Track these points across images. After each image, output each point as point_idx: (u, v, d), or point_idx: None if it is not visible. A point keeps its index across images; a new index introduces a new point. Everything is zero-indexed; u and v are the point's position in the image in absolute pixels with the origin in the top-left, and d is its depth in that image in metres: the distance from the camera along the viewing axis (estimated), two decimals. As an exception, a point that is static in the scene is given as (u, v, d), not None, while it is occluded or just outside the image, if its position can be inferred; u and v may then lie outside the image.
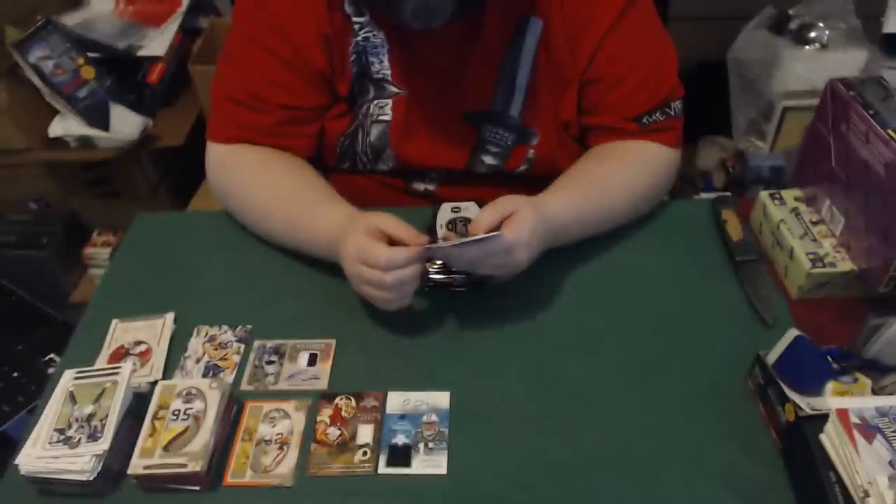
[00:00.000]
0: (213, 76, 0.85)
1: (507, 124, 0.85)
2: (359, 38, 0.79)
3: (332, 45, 0.79)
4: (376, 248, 0.66)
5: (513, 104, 0.83)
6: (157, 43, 1.61)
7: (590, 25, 0.79)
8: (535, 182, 0.90)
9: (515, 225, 0.67)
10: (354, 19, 0.79)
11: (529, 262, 0.70)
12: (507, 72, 0.82)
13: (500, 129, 0.85)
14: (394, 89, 0.82)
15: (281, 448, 0.64)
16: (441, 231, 0.80)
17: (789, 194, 0.83)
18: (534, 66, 0.81)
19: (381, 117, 0.84)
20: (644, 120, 0.82)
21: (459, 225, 0.81)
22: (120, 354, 0.73)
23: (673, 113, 0.83)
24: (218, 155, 0.86)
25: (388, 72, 0.81)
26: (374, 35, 0.79)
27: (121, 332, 0.75)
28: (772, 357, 0.64)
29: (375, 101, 0.83)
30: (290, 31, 0.78)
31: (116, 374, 0.65)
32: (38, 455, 0.60)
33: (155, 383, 0.67)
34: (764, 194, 0.83)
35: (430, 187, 0.91)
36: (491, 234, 0.66)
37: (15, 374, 1.36)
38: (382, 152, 0.87)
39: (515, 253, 0.68)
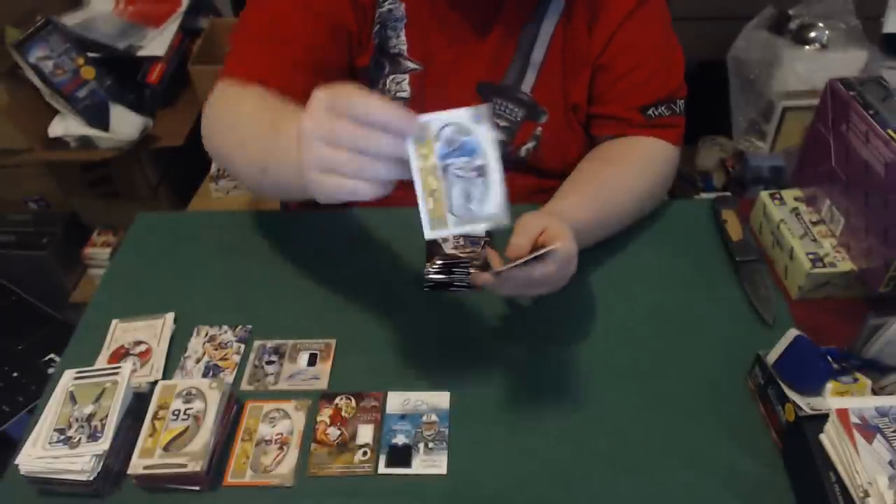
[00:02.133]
0: (212, 76, 0.85)
1: (518, 99, 0.85)
2: (383, 10, 0.79)
3: (367, 11, 0.78)
4: (359, 92, 0.49)
5: (525, 80, 0.84)
6: (156, 43, 1.61)
7: (608, 12, 0.80)
8: (541, 174, 0.90)
9: (564, 237, 0.64)
10: None
11: None
12: (523, 47, 0.82)
13: (511, 103, 0.85)
14: (410, 64, 0.82)
15: (281, 448, 0.64)
16: (445, 244, 0.79)
17: (789, 194, 0.83)
18: (551, 44, 0.82)
19: (399, 94, 0.84)
20: (650, 112, 0.83)
21: (464, 239, 0.80)
22: (120, 354, 0.73)
23: (677, 110, 0.84)
24: (215, 93, 0.78)
25: (405, 47, 0.81)
26: (395, 8, 0.79)
27: (121, 332, 0.75)
28: (772, 357, 0.64)
29: (392, 77, 0.83)
30: None
31: (116, 374, 0.65)
32: (38, 455, 0.60)
33: (155, 383, 0.67)
34: (764, 194, 0.83)
35: None
36: (547, 248, 0.63)
37: (15, 374, 1.36)
38: None
39: (571, 265, 0.66)
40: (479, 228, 0.54)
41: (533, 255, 0.63)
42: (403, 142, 0.50)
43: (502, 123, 0.86)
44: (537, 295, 0.70)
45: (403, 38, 0.81)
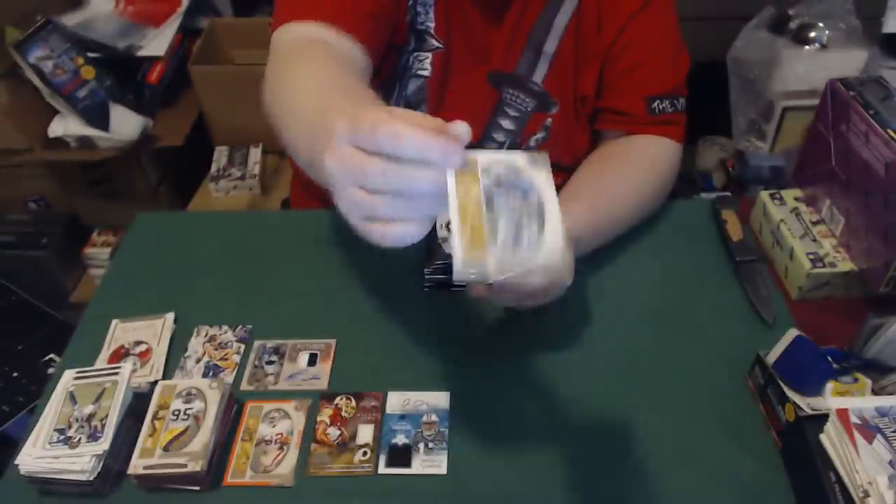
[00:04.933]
0: (214, 75, 0.85)
1: (529, 90, 0.85)
2: None
3: None
4: (384, 117, 0.40)
5: (536, 70, 0.84)
6: (156, 43, 1.61)
7: (618, 8, 0.81)
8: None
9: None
10: None
11: None
12: (535, 37, 0.83)
13: (522, 93, 0.85)
14: (434, 43, 0.82)
15: (281, 448, 0.64)
16: (441, 232, 0.80)
17: (789, 194, 0.83)
18: (563, 36, 0.83)
19: (419, 71, 0.84)
20: (654, 105, 0.83)
21: None
22: (120, 354, 0.73)
23: (679, 107, 0.85)
24: (276, 40, 0.72)
25: (433, 24, 0.81)
26: None
27: (121, 332, 0.75)
28: (772, 357, 0.64)
29: (415, 54, 0.83)
30: None
31: (116, 374, 0.65)
32: (38, 455, 0.60)
33: (155, 383, 0.67)
34: (764, 194, 0.83)
35: None
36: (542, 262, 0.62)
37: (15, 374, 1.35)
38: (414, 109, 0.86)
39: (567, 276, 0.66)
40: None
41: (527, 268, 0.61)
42: (444, 173, 0.41)
43: (513, 113, 0.86)
44: (533, 305, 0.68)
45: (432, 15, 0.81)
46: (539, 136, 0.88)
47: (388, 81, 0.85)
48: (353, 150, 0.41)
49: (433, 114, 0.88)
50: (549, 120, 0.87)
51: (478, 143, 0.89)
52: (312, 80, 0.61)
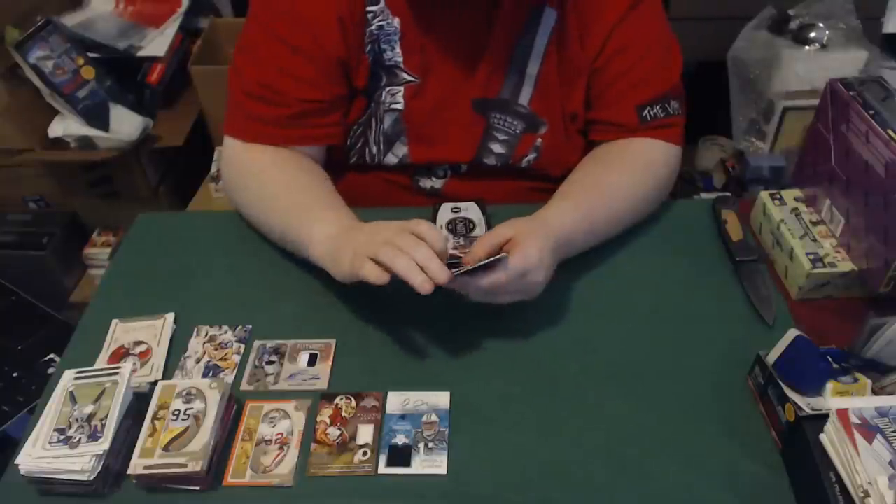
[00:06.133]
0: (213, 77, 0.85)
1: (516, 112, 0.85)
2: (372, 27, 0.80)
3: (349, 32, 0.79)
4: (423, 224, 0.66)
5: (522, 93, 0.84)
6: (157, 43, 1.61)
7: (600, 18, 0.81)
8: (540, 178, 0.90)
9: (521, 247, 0.66)
10: (369, 8, 0.79)
11: (547, 281, 0.69)
12: (517, 61, 0.83)
13: (509, 116, 0.85)
14: (406, 76, 0.82)
15: (281, 448, 0.64)
16: (441, 231, 0.80)
17: (789, 194, 0.83)
18: (545, 57, 0.82)
19: (393, 105, 0.84)
20: (645, 113, 0.83)
21: (459, 225, 0.81)
22: (120, 354, 0.73)
23: (671, 111, 0.84)
24: (234, 151, 0.85)
25: (400, 59, 0.81)
26: (387, 23, 0.80)
27: (121, 333, 0.75)
28: (772, 357, 0.64)
29: (388, 89, 0.83)
30: (308, 17, 0.78)
31: (116, 374, 0.65)
32: (38, 455, 0.60)
33: (155, 383, 0.67)
34: (764, 194, 0.83)
35: (437, 185, 0.91)
36: (496, 256, 0.65)
37: (15, 374, 1.35)
38: (395, 142, 0.86)
39: (530, 275, 0.67)
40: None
41: (480, 264, 0.64)
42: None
43: (502, 137, 0.87)
44: (506, 302, 0.69)
45: (399, 50, 0.81)
46: (530, 156, 0.88)
47: (365, 119, 0.85)
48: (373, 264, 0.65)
49: (414, 146, 0.94)
50: (539, 140, 0.87)
51: (469, 167, 0.89)
52: (281, 185, 0.80)
